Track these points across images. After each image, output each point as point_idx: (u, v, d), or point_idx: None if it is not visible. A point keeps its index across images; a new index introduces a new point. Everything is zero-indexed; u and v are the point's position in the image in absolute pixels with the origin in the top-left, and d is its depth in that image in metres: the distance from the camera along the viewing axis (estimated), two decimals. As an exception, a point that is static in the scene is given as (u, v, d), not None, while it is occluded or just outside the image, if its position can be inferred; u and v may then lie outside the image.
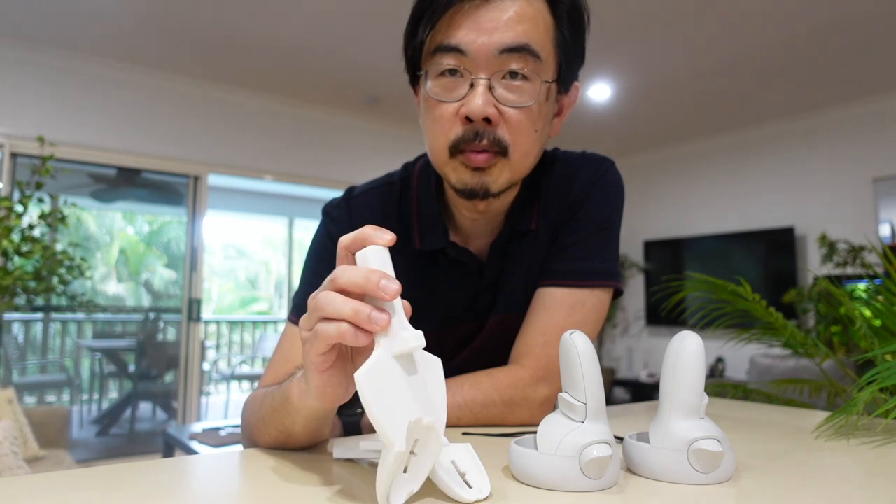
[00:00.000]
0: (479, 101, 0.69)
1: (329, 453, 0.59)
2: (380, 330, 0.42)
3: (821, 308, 4.30)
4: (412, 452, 0.42)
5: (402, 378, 0.43)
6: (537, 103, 0.72)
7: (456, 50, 0.70)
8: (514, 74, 0.70)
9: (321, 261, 0.82)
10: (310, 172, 4.77)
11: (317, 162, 4.79)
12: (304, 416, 0.55)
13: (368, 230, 0.45)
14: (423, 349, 0.45)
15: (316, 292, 0.45)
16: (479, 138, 0.71)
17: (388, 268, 0.45)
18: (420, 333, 0.44)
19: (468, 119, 0.70)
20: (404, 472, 0.42)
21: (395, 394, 0.42)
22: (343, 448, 0.56)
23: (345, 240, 0.47)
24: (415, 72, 0.77)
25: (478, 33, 0.69)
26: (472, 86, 0.70)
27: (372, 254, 0.45)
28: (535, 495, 0.45)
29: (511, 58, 0.69)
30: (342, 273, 0.44)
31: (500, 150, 0.72)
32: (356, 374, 0.40)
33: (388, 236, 0.45)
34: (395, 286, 0.42)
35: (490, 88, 0.70)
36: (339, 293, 0.44)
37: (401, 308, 0.45)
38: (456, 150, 0.72)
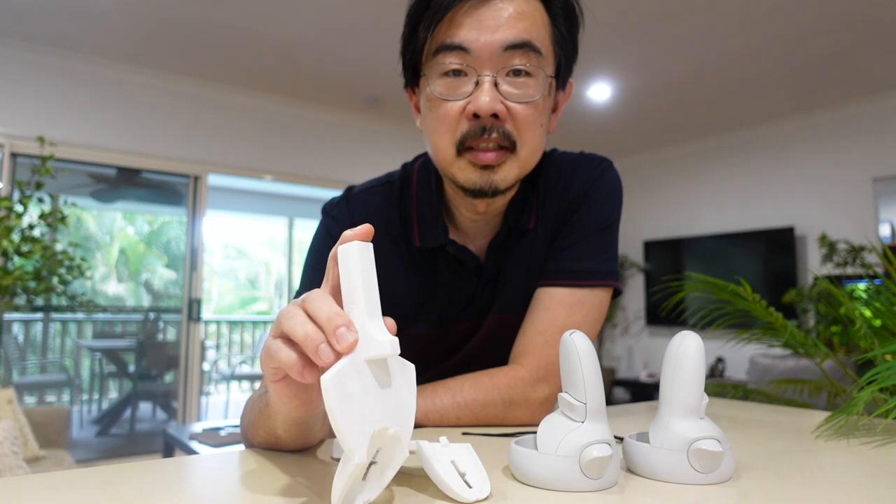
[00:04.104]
0: (486, 98, 0.70)
1: (329, 453, 0.59)
2: (324, 365, 0.39)
3: (821, 308, 4.30)
4: (374, 461, 0.41)
5: (372, 384, 0.41)
6: (542, 97, 0.73)
7: (459, 48, 0.70)
8: (517, 72, 0.71)
9: (321, 260, 0.82)
10: (310, 172, 4.77)
11: (317, 162, 4.79)
12: (281, 420, 0.55)
13: (349, 232, 0.44)
14: (400, 354, 0.43)
15: (289, 305, 0.44)
16: (487, 133, 0.71)
17: (368, 266, 0.43)
18: (395, 340, 0.42)
19: (475, 116, 0.71)
20: (363, 478, 0.42)
21: (361, 401, 0.39)
22: (340, 448, 0.56)
23: (335, 250, 0.45)
24: (414, 74, 0.77)
25: (480, 31, 0.69)
26: (477, 83, 0.70)
27: (354, 250, 0.43)
28: (535, 495, 0.45)
29: (514, 54, 0.70)
30: (313, 300, 0.42)
31: (509, 144, 0.72)
32: (322, 378, 0.38)
33: (362, 230, 0.43)
34: (352, 338, 0.40)
35: (496, 85, 0.70)
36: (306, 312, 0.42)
37: (378, 310, 0.43)
38: (463, 147, 0.72)
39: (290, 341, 0.42)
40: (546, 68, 0.73)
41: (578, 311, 0.78)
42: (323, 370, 0.39)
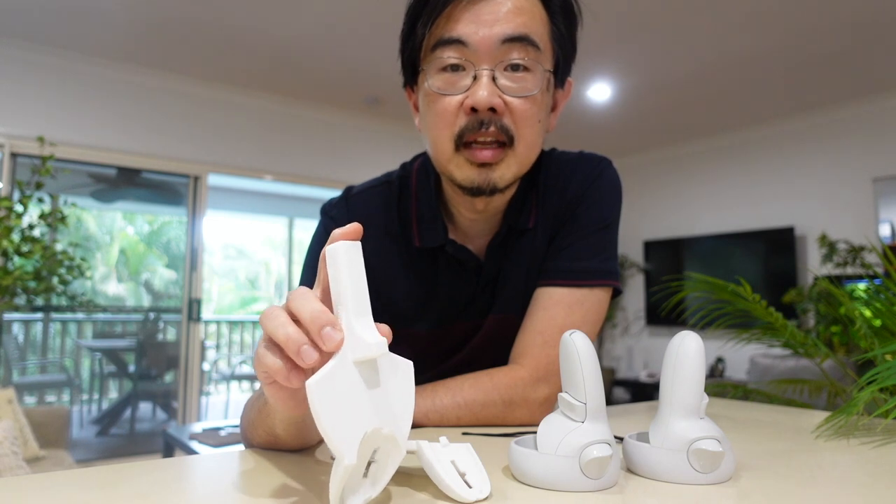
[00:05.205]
0: (484, 92, 0.69)
1: (329, 453, 0.59)
2: (307, 368, 0.39)
3: (821, 308, 4.29)
4: (373, 460, 0.42)
5: (361, 386, 0.40)
6: (540, 92, 0.73)
7: (458, 42, 0.70)
8: (515, 67, 0.71)
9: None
10: (310, 172, 4.77)
11: (317, 162, 4.79)
12: (280, 419, 0.55)
13: (337, 232, 0.43)
14: (393, 352, 0.43)
15: (271, 306, 0.44)
16: (484, 127, 0.71)
17: (357, 265, 0.42)
18: (383, 340, 0.41)
19: (473, 110, 0.71)
20: (364, 476, 0.42)
21: (350, 403, 0.39)
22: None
23: (324, 250, 0.44)
24: (413, 71, 0.77)
25: (478, 25, 0.70)
26: (475, 78, 0.71)
27: (341, 250, 0.42)
28: (535, 495, 0.45)
29: (513, 48, 0.70)
30: (295, 298, 0.42)
31: (507, 138, 0.72)
32: (307, 383, 0.37)
33: (350, 229, 0.43)
34: (338, 338, 0.39)
35: (493, 79, 0.70)
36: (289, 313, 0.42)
37: (368, 310, 0.42)
38: (461, 142, 0.72)
39: (275, 344, 0.41)
40: (544, 63, 0.73)
41: (578, 310, 0.78)
42: (309, 372, 0.39)
